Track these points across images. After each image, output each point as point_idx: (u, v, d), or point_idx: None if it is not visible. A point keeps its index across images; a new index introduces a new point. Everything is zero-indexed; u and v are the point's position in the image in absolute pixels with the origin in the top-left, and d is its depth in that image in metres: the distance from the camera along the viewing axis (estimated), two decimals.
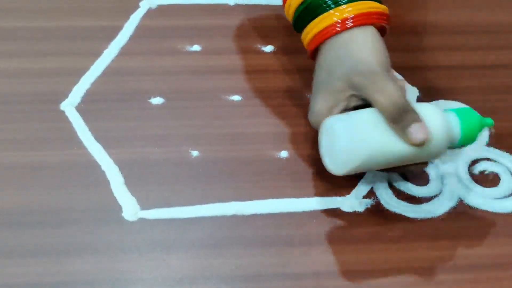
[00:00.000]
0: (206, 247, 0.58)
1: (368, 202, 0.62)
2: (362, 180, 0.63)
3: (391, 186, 0.63)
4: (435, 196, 0.63)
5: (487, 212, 0.62)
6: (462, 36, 0.79)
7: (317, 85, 0.62)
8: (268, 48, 0.76)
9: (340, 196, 0.62)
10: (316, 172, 0.64)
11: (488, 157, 0.66)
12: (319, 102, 0.61)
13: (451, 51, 0.78)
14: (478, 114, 0.60)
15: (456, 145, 0.59)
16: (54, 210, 0.60)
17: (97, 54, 0.74)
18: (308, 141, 0.67)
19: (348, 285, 0.56)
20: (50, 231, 0.58)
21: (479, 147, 0.67)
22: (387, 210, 0.61)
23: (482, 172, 0.65)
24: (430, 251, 0.59)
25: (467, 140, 0.59)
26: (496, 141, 0.68)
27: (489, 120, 0.61)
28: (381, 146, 0.56)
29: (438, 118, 0.57)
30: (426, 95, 0.72)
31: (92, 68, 0.72)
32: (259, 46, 0.77)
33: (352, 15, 0.60)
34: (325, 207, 0.61)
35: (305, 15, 0.63)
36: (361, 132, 0.57)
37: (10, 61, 0.73)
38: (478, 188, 0.64)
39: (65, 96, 0.69)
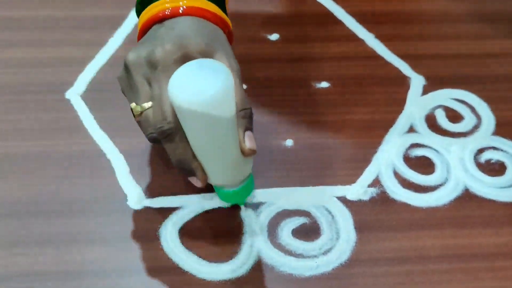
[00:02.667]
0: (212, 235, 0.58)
1: (374, 190, 0.62)
2: (368, 168, 0.63)
3: (396, 175, 0.63)
4: (441, 185, 0.63)
5: (492, 201, 0.62)
6: (469, 25, 0.79)
7: (170, 34, 0.56)
8: (274, 37, 0.76)
9: (345, 184, 0.62)
10: (321, 160, 0.64)
11: (494, 146, 0.66)
12: (175, 45, 0.54)
13: (457, 39, 0.77)
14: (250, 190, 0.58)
15: (234, 188, 0.56)
16: (59, 199, 0.60)
17: (102, 43, 0.74)
18: (314, 130, 0.67)
19: (353, 273, 0.56)
20: (56, 221, 0.58)
21: (486, 136, 0.67)
22: (392, 198, 0.61)
23: (488, 161, 0.65)
24: (435, 240, 0.58)
25: (243, 192, 0.57)
26: (502, 130, 0.67)
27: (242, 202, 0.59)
28: (231, 121, 0.52)
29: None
30: (432, 84, 0.72)
31: (97, 57, 0.72)
32: (264, 34, 0.77)
33: (184, 6, 0.57)
34: (330, 196, 0.61)
35: (144, 2, 0.60)
36: (231, 96, 0.52)
37: (15, 50, 0.73)
38: (484, 177, 0.63)
39: (71, 84, 0.69)
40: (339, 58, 0.74)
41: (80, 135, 0.65)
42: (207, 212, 0.59)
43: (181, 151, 0.53)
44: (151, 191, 0.60)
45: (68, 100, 0.68)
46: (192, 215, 0.59)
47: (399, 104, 0.69)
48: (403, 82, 0.72)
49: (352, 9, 0.80)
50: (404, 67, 0.73)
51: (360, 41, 0.76)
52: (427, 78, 0.72)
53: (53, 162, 0.63)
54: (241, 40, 0.75)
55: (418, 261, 0.57)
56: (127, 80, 0.56)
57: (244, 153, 0.54)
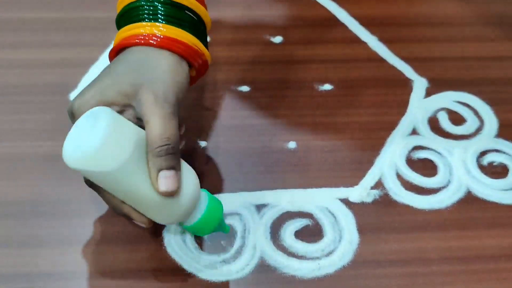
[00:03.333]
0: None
1: (376, 192, 0.62)
2: (370, 171, 0.63)
3: (399, 177, 0.63)
4: (443, 187, 0.63)
5: (495, 203, 0.62)
6: (472, 28, 0.79)
7: (103, 74, 0.54)
8: (277, 39, 0.76)
9: (348, 186, 0.62)
10: (324, 163, 0.64)
11: (496, 148, 0.66)
12: (95, 92, 0.52)
13: (460, 42, 0.77)
14: (222, 213, 0.55)
15: (188, 224, 0.53)
16: (63, 200, 0.60)
17: (106, 44, 0.74)
18: (317, 132, 0.67)
19: (355, 275, 0.56)
20: (60, 221, 0.58)
21: (488, 139, 0.67)
22: (395, 201, 0.61)
23: (490, 163, 0.65)
24: (438, 242, 0.58)
25: (200, 228, 0.54)
26: (505, 133, 0.68)
27: (227, 228, 0.56)
28: (124, 169, 0.48)
29: (195, 185, 0.52)
30: (435, 86, 0.72)
31: (101, 58, 0.73)
32: (268, 37, 0.77)
33: (161, 35, 0.55)
34: (333, 198, 0.61)
35: (125, 18, 0.57)
36: (119, 142, 0.49)
37: (19, 52, 0.73)
38: (487, 180, 0.63)
39: (75, 86, 0.70)
40: (342, 61, 0.74)
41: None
42: None
43: (108, 199, 0.53)
44: None
45: None
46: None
47: (402, 106, 0.70)
48: (406, 85, 0.72)
49: (355, 12, 0.80)
50: (407, 70, 0.74)
51: (363, 44, 0.77)
52: (430, 80, 0.72)
53: (56, 162, 0.62)
54: (245, 43, 0.76)
55: (420, 263, 0.57)
56: None
57: (162, 195, 0.50)
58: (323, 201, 0.61)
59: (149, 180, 0.49)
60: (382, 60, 0.75)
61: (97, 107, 0.50)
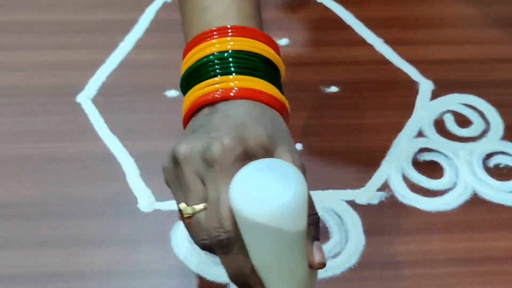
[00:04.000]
0: None
1: (383, 194, 0.62)
2: (377, 173, 0.64)
3: (405, 179, 0.63)
4: (449, 189, 0.63)
5: (501, 205, 0.62)
6: (479, 30, 0.79)
7: (224, 125, 0.47)
8: (283, 41, 0.77)
9: (354, 188, 0.62)
10: (330, 164, 0.64)
11: (502, 150, 0.66)
12: (236, 140, 0.46)
13: (466, 44, 0.77)
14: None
15: None
16: (70, 201, 0.60)
17: (113, 47, 0.75)
18: (323, 134, 0.67)
19: (362, 277, 0.56)
20: (67, 222, 0.59)
21: (494, 141, 0.67)
22: (401, 203, 0.61)
23: (496, 166, 0.65)
24: (444, 244, 0.58)
25: None
26: (511, 135, 0.68)
27: None
28: (302, 234, 0.44)
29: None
30: (441, 89, 0.72)
31: (108, 61, 0.73)
32: (274, 39, 0.77)
33: (236, 88, 0.50)
34: (340, 200, 0.61)
35: (192, 77, 0.52)
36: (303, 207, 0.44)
37: (26, 54, 0.74)
38: (493, 182, 0.63)
39: (81, 88, 0.70)
40: (348, 63, 0.74)
41: (91, 138, 0.65)
42: None
43: (240, 264, 0.45)
44: (162, 194, 0.61)
45: (79, 104, 0.69)
46: None
47: (407, 108, 0.70)
48: (411, 87, 0.72)
49: (361, 14, 0.80)
50: (412, 72, 0.74)
51: (369, 46, 0.77)
52: (436, 83, 0.72)
53: (64, 164, 0.63)
54: None
55: (427, 264, 0.57)
56: (174, 174, 0.48)
57: (312, 267, 0.45)
58: (329, 203, 0.61)
59: (304, 252, 0.45)
60: (388, 63, 0.75)
61: (279, 161, 0.45)
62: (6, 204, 0.60)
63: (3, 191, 0.61)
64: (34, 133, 0.66)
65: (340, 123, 0.68)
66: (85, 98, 0.69)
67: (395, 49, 0.76)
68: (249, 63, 0.51)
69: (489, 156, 0.66)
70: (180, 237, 0.58)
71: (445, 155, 0.65)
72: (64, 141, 0.65)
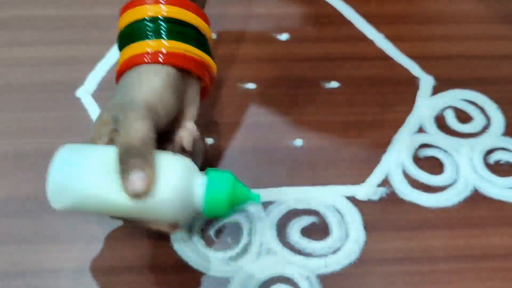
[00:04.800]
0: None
1: (383, 190, 0.62)
2: (377, 168, 0.63)
3: (405, 175, 0.63)
4: (450, 185, 0.63)
5: (501, 202, 0.62)
6: (481, 26, 0.79)
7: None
8: (283, 37, 0.76)
9: (354, 184, 0.62)
10: (330, 160, 0.64)
11: (503, 147, 0.66)
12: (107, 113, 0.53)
13: (467, 40, 0.77)
14: (234, 186, 0.52)
15: (202, 214, 0.52)
16: None
17: (113, 42, 0.73)
18: (323, 130, 0.67)
19: (362, 272, 0.56)
20: (66, 217, 0.59)
21: (495, 137, 0.67)
22: (402, 199, 0.61)
23: (497, 162, 0.65)
24: (445, 240, 0.58)
25: (212, 211, 0.51)
26: None
27: (256, 196, 0.54)
28: (97, 190, 0.49)
29: (178, 176, 0.50)
30: (442, 85, 0.72)
31: (108, 56, 0.73)
32: (274, 34, 0.77)
33: (165, 51, 0.55)
34: (340, 196, 0.61)
35: (126, 37, 0.57)
36: (84, 168, 0.49)
37: (26, 49, 0.73)
38: (493, 178, 0.63)
39: (81, 83, 0.70)
40: (349, 59, 0.74)
41: (91, 133, 0.65)
42: None
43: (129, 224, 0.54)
44: None
45: (79, 99, 0.68)
46: None
47: (408, 104, 0.69)
48: (412, 83, 0.72)
49: (362, 9, 0.80)
50: (413, 68, 0.73)
51: (370, 42, 0.77)
52: (437, 78, 0.72)
53: None
54: (251, 41, 0.76)
55: (427, 261, 0.57)
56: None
57: (130, 197, 0.48)
58: (329, 198, 0.61)
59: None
60: (388, 58, 0.75)
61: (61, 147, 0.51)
62: (9, 200, 0.60)
63: (3, 188, 0.61)
64: (34, 128, 0.66)
65: (340, 118, 0.68)
66: (85, 93, 0.69)
67: (395, 45, 0.76)
68: (180, 29, 0.56)
69: (489, 152, 0.66)
70: (179, 232, 0.58)
71: (445, 151, 0.65)
72: (64, 136, 0.65)
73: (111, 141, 0.51)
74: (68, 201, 0.49)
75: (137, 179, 0.47)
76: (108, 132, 0.52)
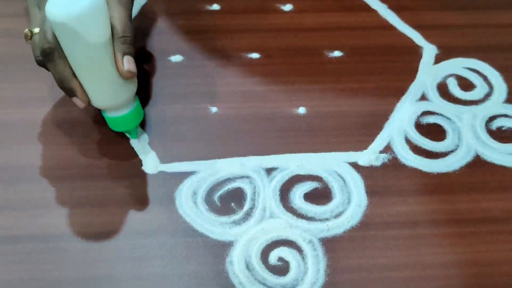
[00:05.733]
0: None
1: (385, 156, 0.62)
2: (379, 135, 0.64)
3: (408, 141, 0.63)
4: (452, 151, 0.63)
5: (503, 167, 0.62)
6: None
7: None
8: (287, 7, 0.77)
9: (357, 150, 0.63)
10: (333, 127, 0.65)
11: (506, 113, 0.67)
12: None
13: (471, 9, 0.77)
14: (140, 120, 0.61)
15: (111, 115, 0.60)
16: (77, 164, 0.61)
17: None
18: (326, 98, 0.67)
19: (364, 236, 0.57)
20: (74, 184, 0.60)
21: (497, 104, 0.67)
22: (404, 164, 0.62)
23: (499, 128, 0.65)
24: (446, 205, 0.59)
25: (120, 121, 0.60)
26: None
27: (136, 135, 0.62)
28: (106, 42, 0.56)
29: (136, 83, 0.60)
30: (445, 53, 0.72)
31: None
32: (278, 5, 0.77)
33: None
34: (342, 162, 0.62)
35: None
36: (105, 18, 0.56)
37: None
38: (495, 144, 0.64)
39: None
40: (352, 28, 0.75)
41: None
42: (221, 176, 0.60)
43: (60, 69, 0.57)
44: (167, 157, 0.62)
45: None
46: (206, 179, 0.60)
47: (411, 73, 0.70)
48: (415, 52, 0.72)
49: None
50: (416, 37, 0.74)
51: (373, 12, 0.77)
52: (440, 47, 0.73)
53: (70, 128, 0.64)
54: (255, 10, 0.76)
55: (428, 224, 0.58)
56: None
57: (122, 75, 0.57)
58: (332, 165, 0.62)
59: (112, 61, 0.57)
60: (391, 28, 0.75)
61: None
62: (26, 166, 0.61)
63: (25, 154, 0.62)
64: (42, 98, 0.66)
65: (343, 86, 0.68)
66: None
67: (399, 15, 0.76)
68: None
69: (492, 119, 0.66)
70: (184, 197, 0.59)
71: (448, 118, 0.66)
72: (72, 105, 0.66)
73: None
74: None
75: (133, 63, 0.58)
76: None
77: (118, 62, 0.57)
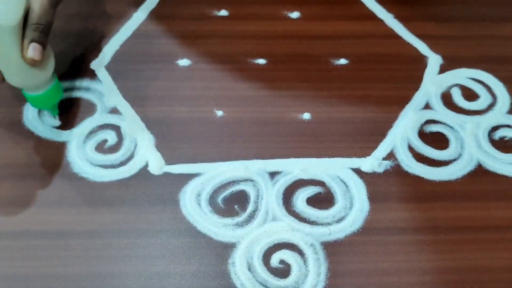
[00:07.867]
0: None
1: (388, 163, 0.63)
2: (383, 142, 0.65)
3: (411, 149, 0.64)
4: (454, 160, 0.64)
5: (505, 176, 0.63)
6: (490, 7, 0.80)
7: None
8: (294, 15, 0.78)
9: (360, 157, 0.63)
10: (337, 133, 0.65)
11: (508, 124, 0.67)
12: None
13: (475, 21, 0.78)
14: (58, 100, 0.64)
15: (30, 93, 0.62)
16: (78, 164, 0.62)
17: (127, 17, 0.76)
18: (331, 105, 0.68)
19: (365, 241, 0.57)
20: (78, 183, 0.60)
21: (500, 114, 0.68)
22: (406, 171, 0.62)
23: (502, 138, 0.66)
24: (447, 212, 0.60)
25: (39, 100, 0.62)
26: None
27: (56, 113, 0.65)
28: (15, 28, 0.57)
29: (52, 66, 0.62)
30: (449, 63, 0.72)
31: (122, 30, 0.74)
32: (285, 12, 0.78)
33: None
34: (345, 167, 0.62)
35: None
36: (13, 5, 0.57)
37: None
38: (497, 154, 0.64)
39: (95, 56, 0.71)
40: (359, 37, 0.75)
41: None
42: (225, 179, 0.61)
43: None
44: (172, 159, 0.62)
45: (93, 71, 0.70)
46: (211, 181, 0.61)
47: (416, 81, 0.70)
48: (420, 61, 0.73)
49: None
50: (422, 47, 0.74)
51: (380, 21, 0.78)
52: (445, 57, 0.73)
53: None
54: (262, 17, 0.77)
55: (429, 231, 0.58)
56: None
57: (26, 62, 0.58)
58: (335, 170, 0.62)
59: (17, 47, 0.58)
60: (397, 37, 0.76)
61: None
62: (26, 164, 0.62)
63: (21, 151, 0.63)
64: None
65: (348, 93, 0.69)
66: (99, 65, 0.70)
67: (405, 25, 0.77)
68: None
69: (495, 129, 0.67)
70: (188, 199, 0.59)
71: (451, 127, 0.66)
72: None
73: None
74: None
75: (38, 51, 0.58)
76: None
77: (24, 48, 0.58)
